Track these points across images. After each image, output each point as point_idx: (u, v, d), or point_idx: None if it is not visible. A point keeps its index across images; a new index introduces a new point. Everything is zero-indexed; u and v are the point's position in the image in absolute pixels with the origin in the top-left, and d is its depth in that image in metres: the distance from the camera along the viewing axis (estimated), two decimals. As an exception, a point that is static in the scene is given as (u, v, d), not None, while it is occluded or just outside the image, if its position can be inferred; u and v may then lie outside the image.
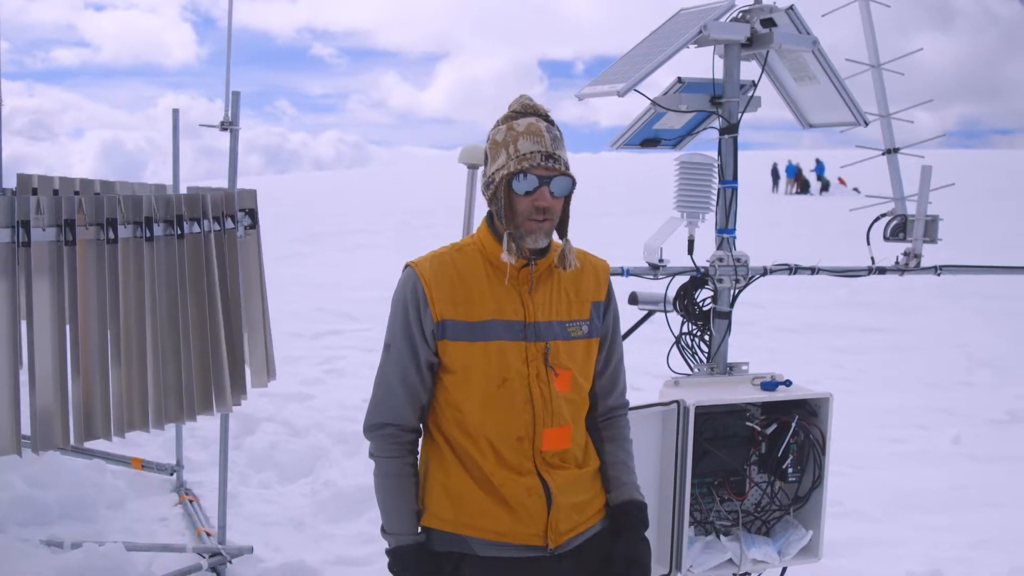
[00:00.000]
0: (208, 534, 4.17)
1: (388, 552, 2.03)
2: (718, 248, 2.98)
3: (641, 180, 31.89)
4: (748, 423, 2.80)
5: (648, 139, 3.24)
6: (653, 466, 2.70)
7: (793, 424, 2.79)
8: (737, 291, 2.96)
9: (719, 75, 2.94)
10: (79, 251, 2.93)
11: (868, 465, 5.44)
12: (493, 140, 2.00)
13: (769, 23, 2.90)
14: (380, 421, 2.04)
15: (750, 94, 3.01)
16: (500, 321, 1.98)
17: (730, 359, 3.00)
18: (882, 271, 3.19)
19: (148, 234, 3.12)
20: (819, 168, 35.39)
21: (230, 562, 3.94)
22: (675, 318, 2.96)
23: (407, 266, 2.05)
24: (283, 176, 62.46)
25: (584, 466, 2.09)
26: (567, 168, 1.97)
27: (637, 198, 25.76)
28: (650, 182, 24.18)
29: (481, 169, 2.07)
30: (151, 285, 3.14)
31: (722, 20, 2.87)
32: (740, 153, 2.95)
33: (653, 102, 3.01)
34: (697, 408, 2.66)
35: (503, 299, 2.00)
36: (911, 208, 3.25)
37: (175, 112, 4.61)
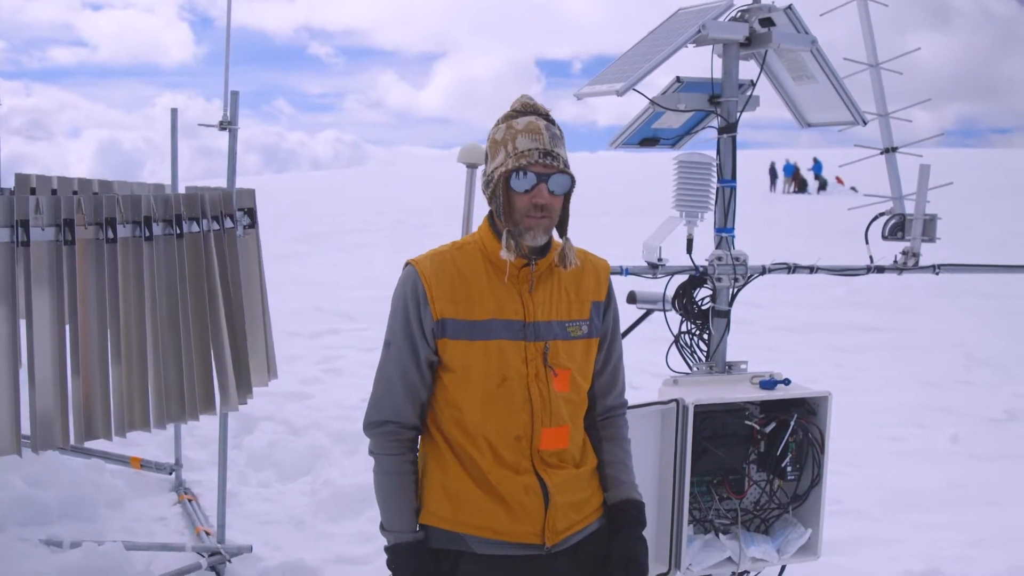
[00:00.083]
0: (207, 533, 4.16)
1: (387, 549, 2.04)
2: (717, 247, 2.98)
3: (640, 179, 31.89)
4: (747, 422, 2.81)
5: (647, 138, 3.24)
6: (652, 465, 2.70)
7: (792, 423, 2.79)
8: (736, 290, 2.97)
9: (718, 74, 2.95)
10: (78, 250, 2.93)
11: (867, 464, 5.45)
12: (493, 139, 2.01)
13: (767, 22, 2.90)
14: (380, 418, 2.04)
15: (748, 93, 3.02)
16: (500, 320, 1.98)
17: (729, 358, 3.00)
18: (880, 270, 3.20)
19: (147, 234, 3.12)
20: (816, 167, 35.40)
21: (229, 561, 3.93)
22: (674, 317, 2.96)
23: (408, 264, 2.05)
24: (281, 176, 62.37)
25: (582, 465, 2.09)
26: (566, 166, 1.97)
27: (635, 197, 25.74)
28: (649, 181, 24.19)
29: (481, 168, 2.08)
30: (150, 284, 3.14)
31: (720, 19, 2.88)
32: (738, 152, 2.95)
33: (652, 101, 3.02)
34: (696, 407, 2.67)
35: (503, 298, 2.00)
36: (909, 207, 3.26)
37: (174, 112, 4.60)
